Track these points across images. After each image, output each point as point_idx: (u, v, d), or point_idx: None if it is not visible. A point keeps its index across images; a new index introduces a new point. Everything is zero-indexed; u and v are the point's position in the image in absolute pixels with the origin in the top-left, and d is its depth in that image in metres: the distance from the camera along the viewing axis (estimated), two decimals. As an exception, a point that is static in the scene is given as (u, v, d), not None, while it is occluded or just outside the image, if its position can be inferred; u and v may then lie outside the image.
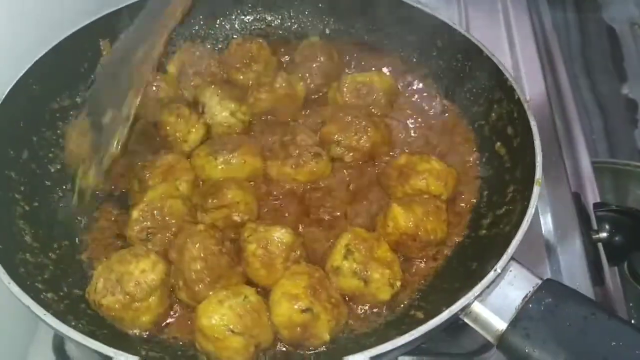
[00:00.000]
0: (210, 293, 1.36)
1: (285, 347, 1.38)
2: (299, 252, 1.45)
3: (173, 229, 1.49)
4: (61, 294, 1.40)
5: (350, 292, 1.42)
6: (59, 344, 1.60)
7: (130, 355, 1.17)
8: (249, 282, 1.44)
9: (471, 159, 1.70)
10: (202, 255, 1.37)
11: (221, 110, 1.73)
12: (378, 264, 1.40)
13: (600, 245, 1.88)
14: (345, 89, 1.78)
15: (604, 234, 1.86)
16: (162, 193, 1.53)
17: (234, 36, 2.10)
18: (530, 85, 2.29)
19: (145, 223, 1.49)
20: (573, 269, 1.77)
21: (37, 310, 1.22)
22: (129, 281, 1.34)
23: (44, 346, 1.61)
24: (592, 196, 2.03)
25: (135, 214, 1.49)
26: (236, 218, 1.52)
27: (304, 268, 1.41)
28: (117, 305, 1.33)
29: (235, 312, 1.30)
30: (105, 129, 1.48)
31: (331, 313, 1.34)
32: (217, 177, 1.61)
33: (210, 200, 1.51)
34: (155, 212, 1.49)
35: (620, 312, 1.79)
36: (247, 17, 2.15)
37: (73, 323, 1.26)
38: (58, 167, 1.70)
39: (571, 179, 2.00)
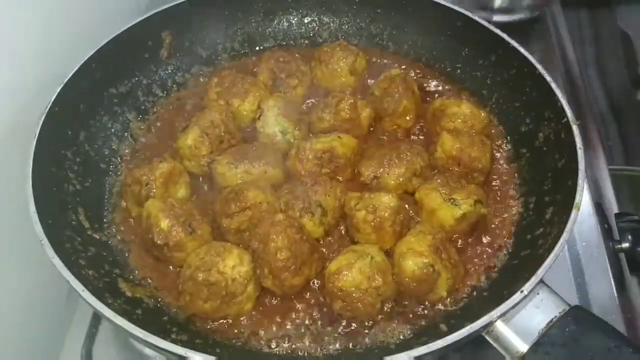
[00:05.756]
0: (341, 256, 1.44)
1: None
2: (402, 215, 1.52)
3: (197, 217, 1.53)
4: (102, 271, 1.46)
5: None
6: (87, 354, 1.63)
7: (158, 338, 1.22)
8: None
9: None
10: (286, 244, 1.41)
11: (274, 125, 1.72)
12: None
13: (622, 255, 1.86)
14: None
15: (626, 244, 1.85)
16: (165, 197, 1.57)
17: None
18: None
19: (179, 219, 1.48)
20: (597, 280, 1.74)
21: (77, 286, 1.28)
22: (223, 280, 1.38)
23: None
24: (611, 205, 2.00)
25: (163, 223, 1.47)
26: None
27: (429, 228, 1.49)
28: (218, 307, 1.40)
29: (364, 274, 1.38)
30: None
31: (450, 272, 1.43)
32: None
33: (233, 205, 1.51)
34: (175, 208, 1.50)
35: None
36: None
37: (109, 301, 1.32)
38: (113, 150, 1.78)
39: (591, 188, 1.96)
